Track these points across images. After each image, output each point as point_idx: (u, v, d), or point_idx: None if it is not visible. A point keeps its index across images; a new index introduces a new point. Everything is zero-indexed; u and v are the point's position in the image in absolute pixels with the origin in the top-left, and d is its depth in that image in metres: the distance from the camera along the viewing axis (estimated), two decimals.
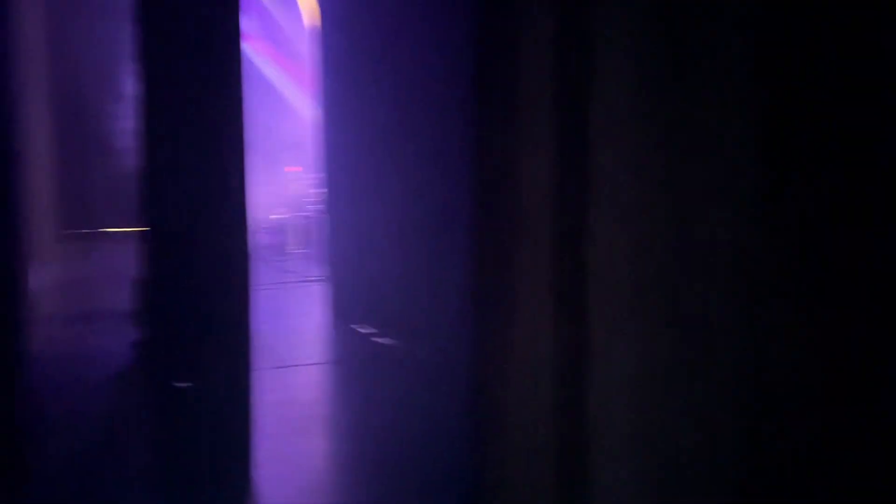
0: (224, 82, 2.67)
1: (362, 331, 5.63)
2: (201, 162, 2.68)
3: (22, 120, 6.10)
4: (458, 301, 4.32)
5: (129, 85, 4.11)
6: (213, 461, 2.94)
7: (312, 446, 3.58)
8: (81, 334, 5.56)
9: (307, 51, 8.30)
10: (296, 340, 5.70)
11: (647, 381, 1.81)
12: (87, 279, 7.87)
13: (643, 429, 1.82)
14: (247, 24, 10.74)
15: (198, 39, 2.63)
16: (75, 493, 2.99)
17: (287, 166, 10.67)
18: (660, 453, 1.78)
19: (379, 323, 5.48)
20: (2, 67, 3.45)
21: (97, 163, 9.63)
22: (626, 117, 1.86)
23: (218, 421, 2.99)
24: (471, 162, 2.36)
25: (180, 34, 2.63)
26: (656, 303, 1.78)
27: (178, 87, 2.65)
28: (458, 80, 4.27)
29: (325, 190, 6.65)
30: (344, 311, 6.05)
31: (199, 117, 2.66)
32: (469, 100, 2.37)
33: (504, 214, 2.21)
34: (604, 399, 1.93)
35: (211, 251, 2.74)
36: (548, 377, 2.06)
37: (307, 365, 4.99)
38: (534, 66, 2.11)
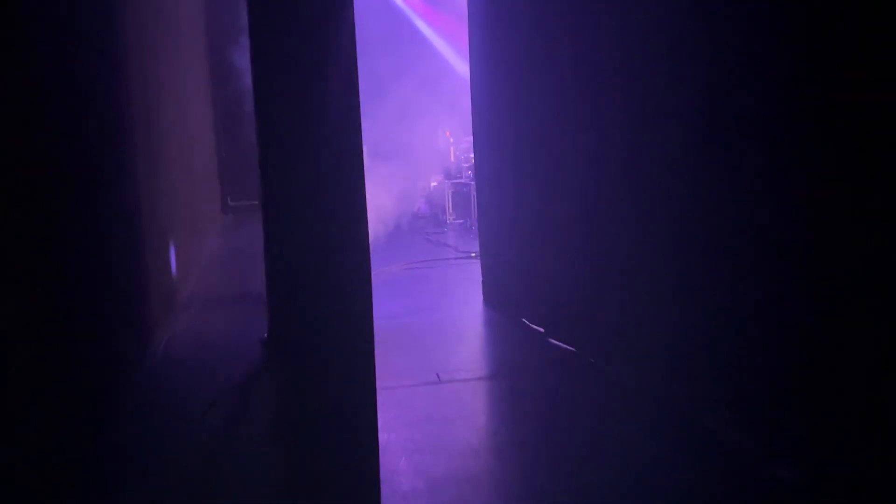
0: (335, 65, 2.50)
1: (534, 327, 4.54)
2: (312, 145, 2.50)
3: (173, 92, 5.56)
4: (667, 316, 3.21)
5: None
6: None
7: None
8: (214, 325, 4.87)
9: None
10: (452, 339, 4.67)
11: None
12: (237, 255, 7.39)
13: None
14: None
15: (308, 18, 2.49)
16: None
17: (447, 130, 9.80)
18: None
19: (554, 321, 4.39)
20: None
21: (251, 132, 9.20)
22: None
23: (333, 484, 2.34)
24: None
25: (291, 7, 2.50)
26: None
27: (288, 66, 2.52)
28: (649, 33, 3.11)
29: (476, 156, 5.58)
30: (505, 300, 5.00)
31: (312, 98, 2.51)
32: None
33: None
34: None
35: (325, 238, 2.49)
36: None
37: (466, 380, 3.83)
38: None
